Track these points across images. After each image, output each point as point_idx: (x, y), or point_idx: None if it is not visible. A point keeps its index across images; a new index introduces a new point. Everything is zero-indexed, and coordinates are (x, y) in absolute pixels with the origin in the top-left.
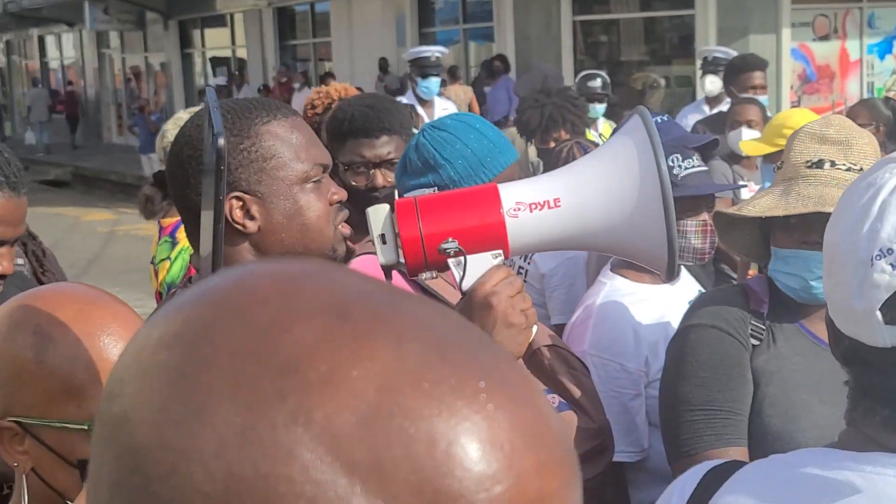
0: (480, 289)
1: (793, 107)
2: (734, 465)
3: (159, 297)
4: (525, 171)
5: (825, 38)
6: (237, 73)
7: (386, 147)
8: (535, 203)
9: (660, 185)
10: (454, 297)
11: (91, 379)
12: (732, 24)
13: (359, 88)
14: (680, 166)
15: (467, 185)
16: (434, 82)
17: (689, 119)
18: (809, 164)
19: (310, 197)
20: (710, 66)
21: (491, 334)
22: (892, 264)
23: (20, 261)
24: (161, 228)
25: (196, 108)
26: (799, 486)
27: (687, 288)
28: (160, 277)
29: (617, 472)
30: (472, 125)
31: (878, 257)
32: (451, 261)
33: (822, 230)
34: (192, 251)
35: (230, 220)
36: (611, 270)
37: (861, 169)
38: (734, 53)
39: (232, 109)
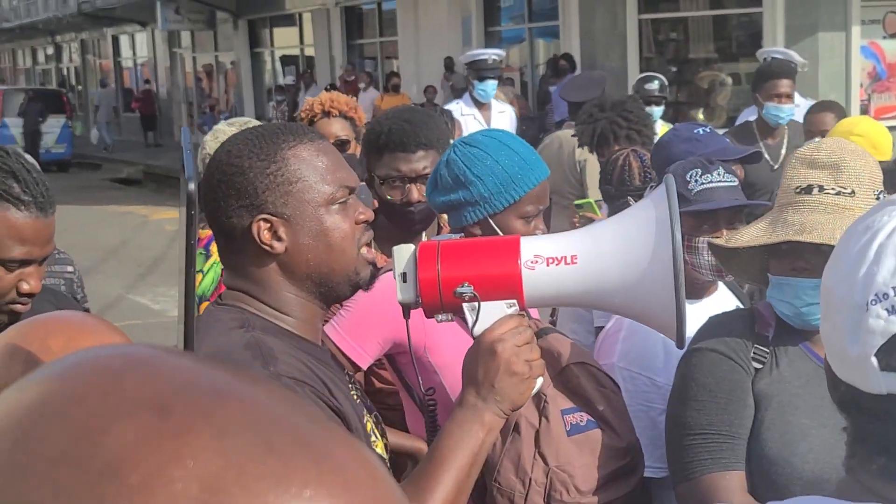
0: (488, 335)
1: (862, 105)
2: None
3: None
4: (572, 171)
5: None
6: (308, 71)
7: (422, 162)
8: (552, 258)
9: (672, 257)
10: None
11: None
12: (801, 22)
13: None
14: (697, 181)
15: (498, 202)
16: (491, 85)
17: (750, 120)
18: (798, 189)
19: (335, 218)
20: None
21: (493, 381)
22: (887, 309)
23: (70, 268)
24: (198, 239)
25: (237, 119)
26: None
27: (723, 302)
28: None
29: (644, 487)
30: (504, 142)
31: (873, 302)
32: (465, 305)
33: (811, 257)
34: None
35: (258, 241)
36: None
37: (852, 192)
38: (794, 55)
39: (259, 135)
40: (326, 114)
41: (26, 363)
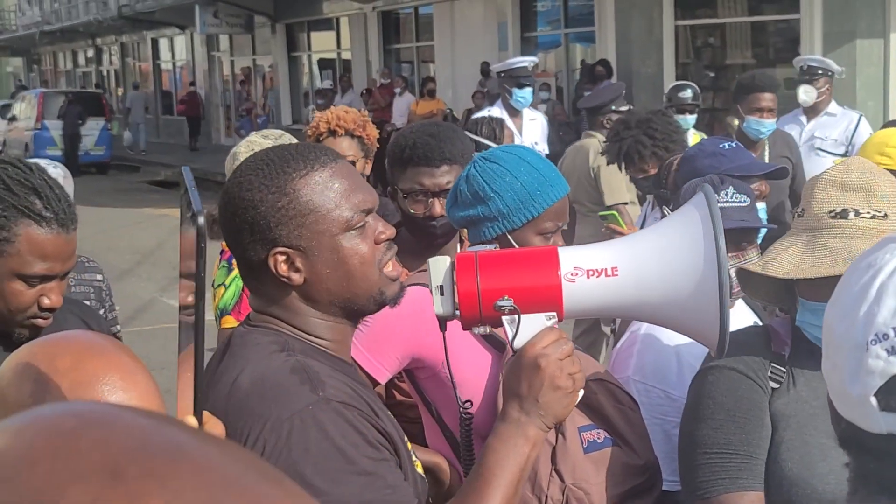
0: (531, 349)
1: None
2: None
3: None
4: (587, 178)
5: None
6: (345, 75)
7: (446, 176)
8: (593, 270)
9: (717, 268)
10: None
11: None
12: (839, 29)
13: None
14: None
15: (517, 218)
16: (528, 92)
17: (786, 129)
18: (833, 213)
19: (353, 243)
20: (805, 75)
21: (537, 396)
22: (887, 350)
23: (98, 276)
24: (222, 252)
25: (273, 132)
26: None
27: (740, 317)
28: (215, 302)
29: (661, 502)
30: (524, 158)
31: (873, 342)
32: (505, 318)
33: None
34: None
35: (275, 273)
36: None
37: (886, 215)
38: (830, 62)
39: (270, 163)
40: (332, 132)
41: (35, 383)
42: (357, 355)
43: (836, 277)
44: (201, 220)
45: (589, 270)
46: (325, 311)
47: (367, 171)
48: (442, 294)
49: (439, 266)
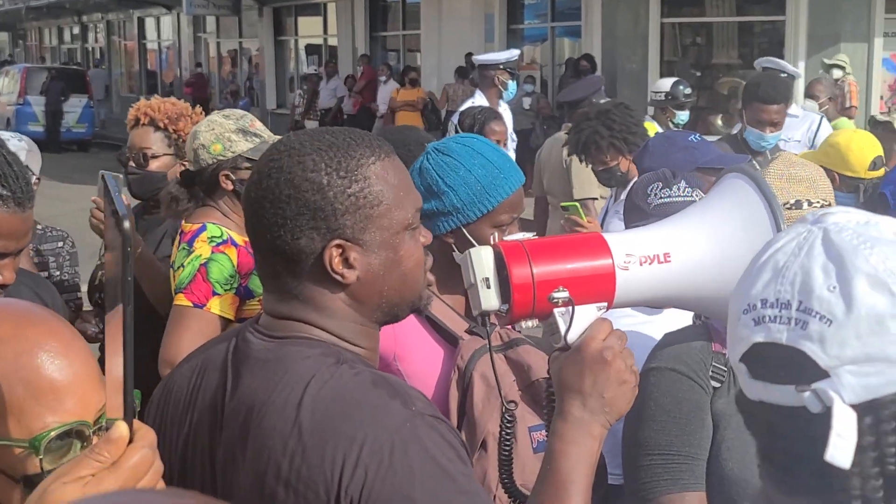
0: (593, 343)
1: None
2: None
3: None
4: (559, 171)
5: None
6: (331, 61)
7: None
8: (645, 256)
9: None
10: (457, 325)
11: (30, 395)
12: (823, 32)
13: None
14: (657, 195)
15: (471, 213)
16: (514, 84)
17: None
18: (788, 206)
19: (409, 244)
20: None
21: (603, 392)
22: (753, 319)
23: (60, 244)
24: (181, 233)
25: (233, 112)
26: None
27: (677, 317)
28: (173, 284)
29: (605, 495)
30: (477, 150)
31: (744, 311)
32: (557, 310)
33: None
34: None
35: (329, 269)
36: None
37: (830, 204)
38: (787, 65)
39: (335, 146)
40: (137, 121)
41: None
42: None
43: None
44: (126, 224)
45: (641, 257)
46: (366, 315)
47: (177, 171)
48: (488, 287)
49: (483, 257)
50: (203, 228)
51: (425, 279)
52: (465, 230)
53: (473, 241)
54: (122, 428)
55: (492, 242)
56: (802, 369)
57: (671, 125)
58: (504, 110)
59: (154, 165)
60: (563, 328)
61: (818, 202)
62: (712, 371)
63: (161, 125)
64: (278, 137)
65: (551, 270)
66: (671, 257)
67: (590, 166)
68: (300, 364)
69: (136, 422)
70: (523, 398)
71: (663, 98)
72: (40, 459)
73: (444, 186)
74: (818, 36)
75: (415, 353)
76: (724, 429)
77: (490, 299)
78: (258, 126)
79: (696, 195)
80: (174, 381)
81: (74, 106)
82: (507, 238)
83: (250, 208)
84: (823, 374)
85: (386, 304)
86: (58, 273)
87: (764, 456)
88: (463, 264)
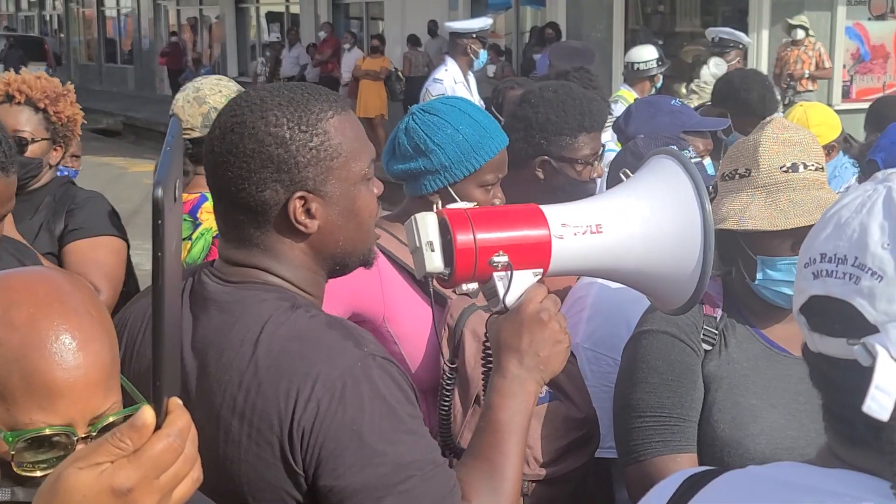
0: (530, 305)
1: (844, 87)
2: (712, 474)
3: None
4: None
5: (881, 17)
6: (293, 29)
7: None
8: (578, 227)
9: (702, 231)
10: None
11: (25, 387)
12: (787, 0)
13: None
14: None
15: (458, 171)
16: (485, 53)
17: None
18: (784, 168)
19: (366, 195)
20: (716, 47)
21: (539, 350)
22: (813, 273)
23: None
24: (185, 203)
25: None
26: (768, 497)
27: None
28: (182, 258)
29: (603, 467)
30: (464, 110)
31: (805, 265)
32: (496, 274)
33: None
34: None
35: (292, 219)
36: None
37: (823, 168)
38: (741, 35)
39: (295, 102)
40: (10, 98)
41: None
42: None
43: (799, 230)
44: (159, 192)
45: (575, 228)
46: (320, 265)
47: (54, 160)
48: (432, 250)
49: (427, 222)
50: (203, 198)
51: (373, 231)
52: (451, 189)
53: (458, 200)
54: (146, 414)
55: (435, 210)
56: (854, 323)
57: (655, 91)
58: (470, 78)
59: (30, 151)
60: (501, 291)
61: (813, 165)
62: (703, 334)
63: (41, 105)
64: None
65: (492, 238)
66: (603, 229)
67: None
68: (257, 306)
69: (172, 402)
70: None
71: (655, 65)
72: (11, 454)
73: (431, 145)
74: (782, 3)
75: (404, 314)
76: (715, 391)
77: (434, 261)
78: None
79: (697, 157)
80: (130, 314)
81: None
82: (451, 207)
83: (213, 162)
84: (874, 329)
85: (340, 253)
86: None
87: (825, 408)
88: (408, 228)
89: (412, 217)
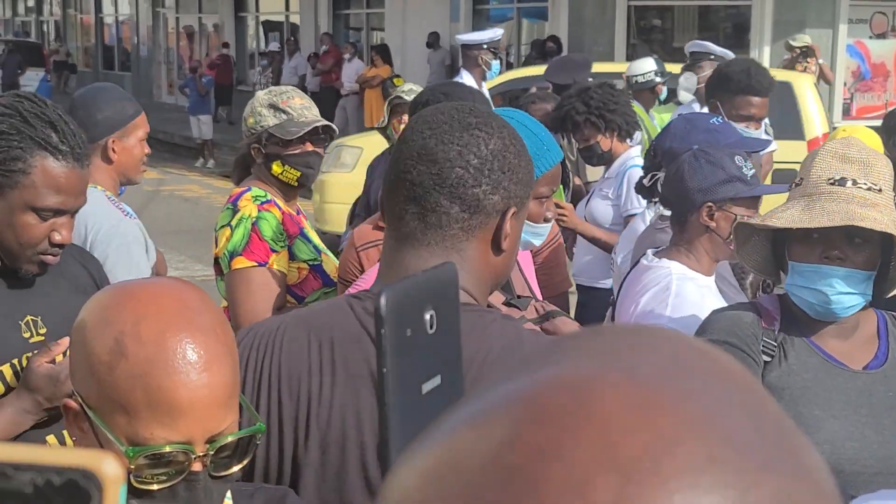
0: None
1: (845, 105)
2: None
3: (217, 263)
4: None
5: (882, 35)
6: (291, 39)
7: None
8: None
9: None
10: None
11: (148, 403)
12: (789, 18)
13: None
14: (747, 166)
15: None
16: (498, 64)
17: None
18: (832, 181)
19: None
20: (691, 60)
21: None
22: None
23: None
24: (231, 196)
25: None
26: None
27: (712, 302)
28: (220, 245)
29: None
30: (523, 123)
31: None
32: None
33: (844, 246)
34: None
35: (496, 232)
36: (655, 255)
37: (880, 189)
38: (714, 47)
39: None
40: None
41: (115, 342)
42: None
43: (830, 237)
44: (383, 300)
45: None
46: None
47: None
48: None
49: None
50: (248, 189)
51: None
52: None
53: None
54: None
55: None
56: None
57: (658, 103)
58: (485, 90)
59: None
60: None
61: (866, 184)
62: (763, 345)
63: None
64: (315, 116)
65: None
66: None
67: (574, 144)
68: (490, 329)
69: None
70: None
71: (654, 76)
72: (130, 467)
73: None
74: (784, 21)
75: None
76: (777, 401)
77: None
78: (293, 103)
79: (752, 169)
80: (289, 352)
81: (31, 79)
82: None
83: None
84: None
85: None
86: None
87: None
88: None
89: None
